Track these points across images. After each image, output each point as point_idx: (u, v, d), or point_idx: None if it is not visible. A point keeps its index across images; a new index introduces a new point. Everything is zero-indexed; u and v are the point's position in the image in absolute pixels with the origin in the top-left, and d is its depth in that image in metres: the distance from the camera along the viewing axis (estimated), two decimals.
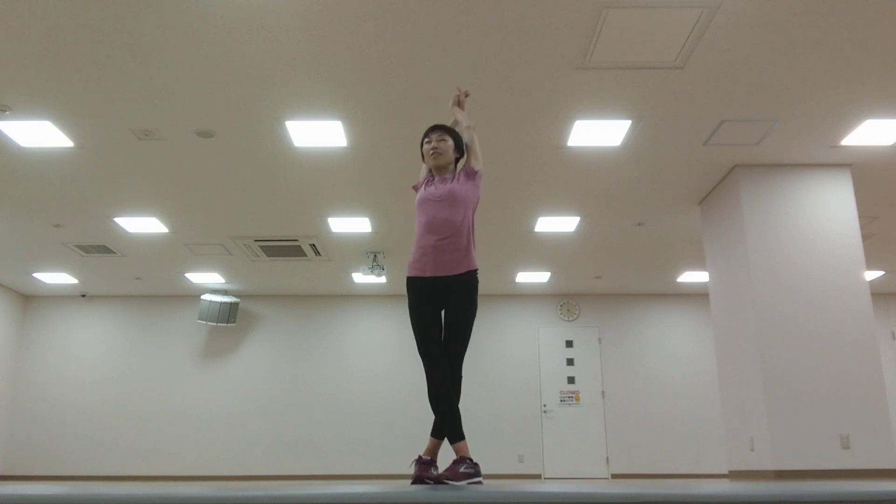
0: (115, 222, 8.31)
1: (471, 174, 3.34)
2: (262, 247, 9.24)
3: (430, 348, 3.06)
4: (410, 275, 3.21)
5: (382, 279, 10.47)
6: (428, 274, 3.14)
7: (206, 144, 6.38)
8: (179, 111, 5.80)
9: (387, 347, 11.45)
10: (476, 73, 5.28)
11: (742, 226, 6.74)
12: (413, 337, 3.29)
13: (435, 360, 3.04)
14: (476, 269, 3.21)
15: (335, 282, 10.92)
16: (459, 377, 3.15)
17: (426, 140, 3.38)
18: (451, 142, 3.35)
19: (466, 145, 3.45)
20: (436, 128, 3.40)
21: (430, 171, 3.41)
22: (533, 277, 10.67)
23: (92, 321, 11.62)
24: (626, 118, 5.96)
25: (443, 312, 3.17)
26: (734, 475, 6.91)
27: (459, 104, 3.66)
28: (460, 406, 3.10)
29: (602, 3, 4.48)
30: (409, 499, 1.88)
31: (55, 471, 11.01)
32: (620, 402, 11.25)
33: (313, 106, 5.74)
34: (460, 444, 2.99)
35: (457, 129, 3.49)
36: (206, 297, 11.09)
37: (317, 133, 6.19)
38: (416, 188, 3.41)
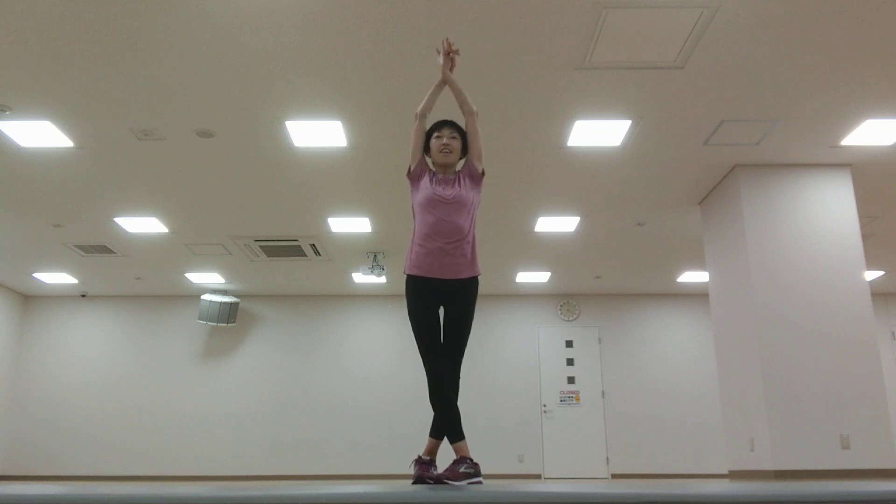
0: (115, 222, 8.31)
1: (476, 177, 3.21)
2: (262, 247, 9.24)
3: (432, 347, 3.06)
4: (413, 273, 3.13)
5: (382, 279, 10.47)
6: (433, 275, 3.10)
7: (206, 144, 6.38)
8: (179, 111, 5.80)
9: (387, 347, 11.45)
10: (476, 73, 5.28)
11: (742, 226, 6.74)
12: (413, 337, 3.24)
13: (436, 360, 3.04)
14: (479, 275, 3.22)
15: (335, 282, 10.92)
16: (458, 377, 3.15)
17: (436, 134, 3.23)
18: (460, 141, 3.25)
19: (469, 136, 3.26)
20: (448, 123, 3.26)
21: (424, 162, 3.26)
22: (533, 277, 10.66)
23: (92, 321, 11.62)
24: (626, 118, 5.96)
25: (441, 313, 3.17)
26: (734, 475, 6.91)
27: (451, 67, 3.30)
28: (460, 406, 3.10)
29: (602, 3, 4.48)
30: (409, 499, 1.88)
31: (55, 471, 11.01)
32: (620, 402, 11.25)
33: (313, 106, 5.74)
34: (460, 443, 2.99)
35: (461, 107, 3.25)
36: (206, 297, 11.09)
37: (317, 133, 6.19)
38: (411, 176, 3.23)
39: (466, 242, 3.12)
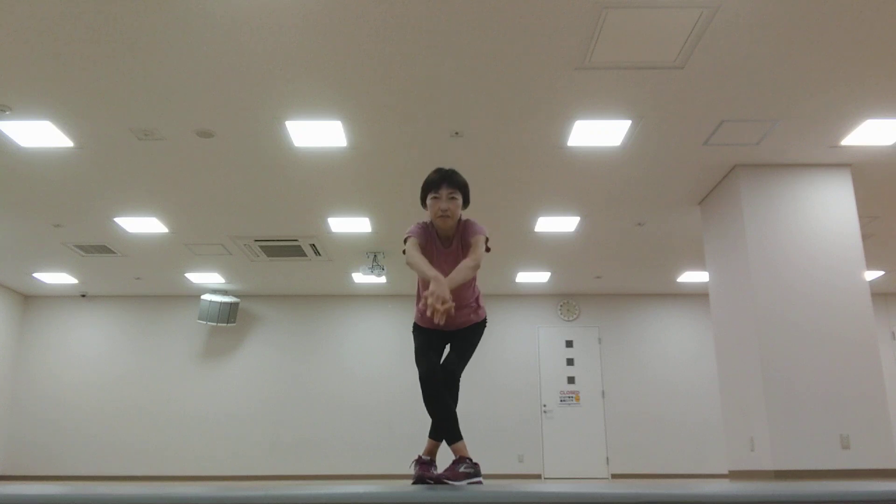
0: (115, 222, 8.31)
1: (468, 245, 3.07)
2: (262, 247, 9.24)
3: (427, 357, 3.06)
4: (421, 325, 3.19)
5: (382, 279, 10.47)
6: (441, 328, 3.13)
7: (206, 144, 6.38)
8: (179, 111, 5.80)
9: (387, 347, 11.45)
10: (476, 73, 5.28)
11: (742, 226, 6.74)
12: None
13: (428, 367, 3.03)
14: (485, 318, 3.26)
15: (335, 282, 10.92)
16: (458, 380, 3.15)
17: (433, 195, 3.04)
18: (460, 200, 3.07)
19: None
20: (444, 181, 3.04)
21: (424, 234, 3.10)
22: (533, 277, 10.66)
23: (92, 321, 11.62)
24: (626, 118, 5.96)
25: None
26: (734, 475, 6.91)
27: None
28: (460, 406, 3.10)
29: (602, 3, 4.48)
30: (409, 499, 1.88)
31: (55, 471, 11.01)
32: (620, 402, 11.25)
33: (313, 106, 5.74)
34: (458, 444, 2.99)
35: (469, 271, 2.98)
36: (206, 297, 11.09)
37: (317, 133, 6.19)
38: (414, 236, 3.06)
39: (470, 301, 3.17)
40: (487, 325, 3.32)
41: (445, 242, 3.13)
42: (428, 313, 2.71)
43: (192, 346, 11.53)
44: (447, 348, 3.20)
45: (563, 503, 1.83)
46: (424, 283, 3.07)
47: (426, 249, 3.10)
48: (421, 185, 3.13)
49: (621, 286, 11.28)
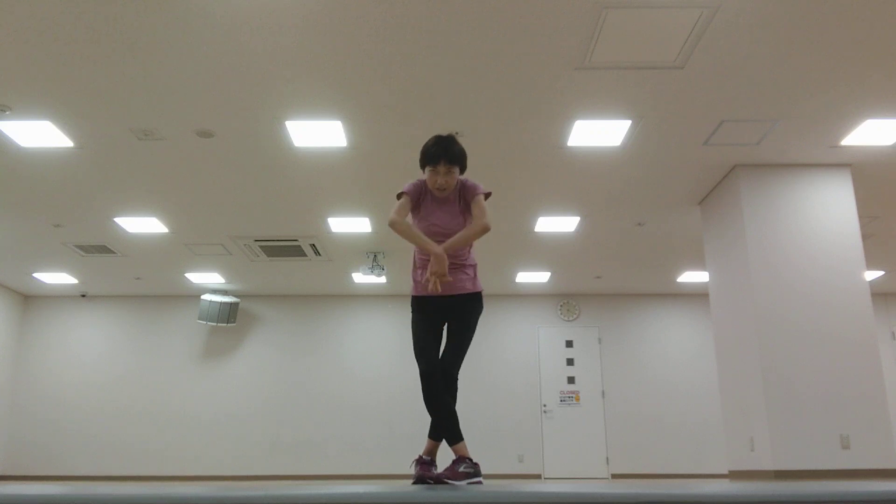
0: (115, 222, 8.31)
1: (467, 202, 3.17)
2: (262, 247, 9.24)
3: (427, 353, 3.06)
4: (417, 294, 3.19)
5: (382, 279, 10.47)
6: (435, 294, 3.11)
7: (206, 144, 6.38)
8: (179, 111, 5.80)
9: (387, 347, 11.45)
10: (476, 73, 5.28)
11: (742, 226, 6.74)
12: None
13: (430, 364, 3.03)
14: (482, 291, 3.25)
15: (335, 282, 10.92)
16: (455, 381, 3.15)
17: (431, 168, 3.08)
18: (457, 172, 3.13)
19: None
20: (443, 157, 3.07)
21: (417, 192, 3.18)
22: (533, 277, 10.66)
23: (92, 321, 11.62)
24: (626, 118, 5.96)
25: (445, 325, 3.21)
26: (734, 475, 6.91)
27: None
28: (460, 406, 3.10)
29: (602, 3, 4.49)
30: (409, 499, 1.88)
31: (55, 471, 11.01)
32: (620, 402, 11.25)
33: (313, 106, 5.74)
34: (459, 444, 2.99)
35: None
36: (206, 297, 11.09)
37: (317, 133, 6.19)
38: (407, 194, 3.14)
39: (466, 261, 3.18)
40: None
41: (443, 200, 3.18)
42: (430, 286, 2.94)
43: (192, 346, 11.53)
44: (445, 331, 3.20)
45: (563, 503, 1.83)
46: (421, 254, 3.12)
47: (420, 204, 3.16)
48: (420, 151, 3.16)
49: (621, 286, 11.28)
